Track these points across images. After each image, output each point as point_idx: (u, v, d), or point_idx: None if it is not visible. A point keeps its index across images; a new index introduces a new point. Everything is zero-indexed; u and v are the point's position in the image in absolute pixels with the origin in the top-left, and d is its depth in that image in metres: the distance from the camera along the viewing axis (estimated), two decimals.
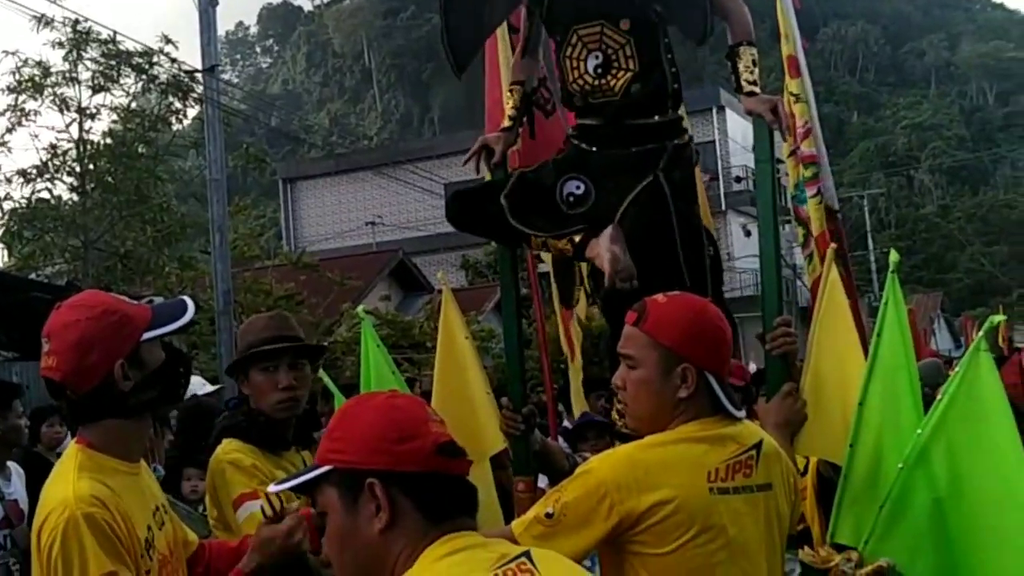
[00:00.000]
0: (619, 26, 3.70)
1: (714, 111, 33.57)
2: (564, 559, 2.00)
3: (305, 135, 44.44)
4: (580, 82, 3.78)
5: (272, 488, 2.24)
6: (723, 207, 32.13)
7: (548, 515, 2.57)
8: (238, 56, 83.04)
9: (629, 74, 3.71)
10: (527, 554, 1.84)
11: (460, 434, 3.88)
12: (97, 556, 2.33)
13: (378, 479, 1.84)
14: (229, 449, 3.49)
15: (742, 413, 2.72)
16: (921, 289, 49.89)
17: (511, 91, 4.08)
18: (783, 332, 3.46)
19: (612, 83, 3.73)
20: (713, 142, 33.40)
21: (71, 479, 2.43)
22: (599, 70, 3.72)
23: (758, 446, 2.69)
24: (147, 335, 2.53)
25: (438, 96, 68.02)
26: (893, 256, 3.44)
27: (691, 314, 2.68)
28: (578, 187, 3.74)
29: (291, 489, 2.03)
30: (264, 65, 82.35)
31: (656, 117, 3.75)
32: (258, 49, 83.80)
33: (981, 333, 3.26)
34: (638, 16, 3.72)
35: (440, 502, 1.86)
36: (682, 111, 3.90)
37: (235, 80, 76.37)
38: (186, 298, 2.69)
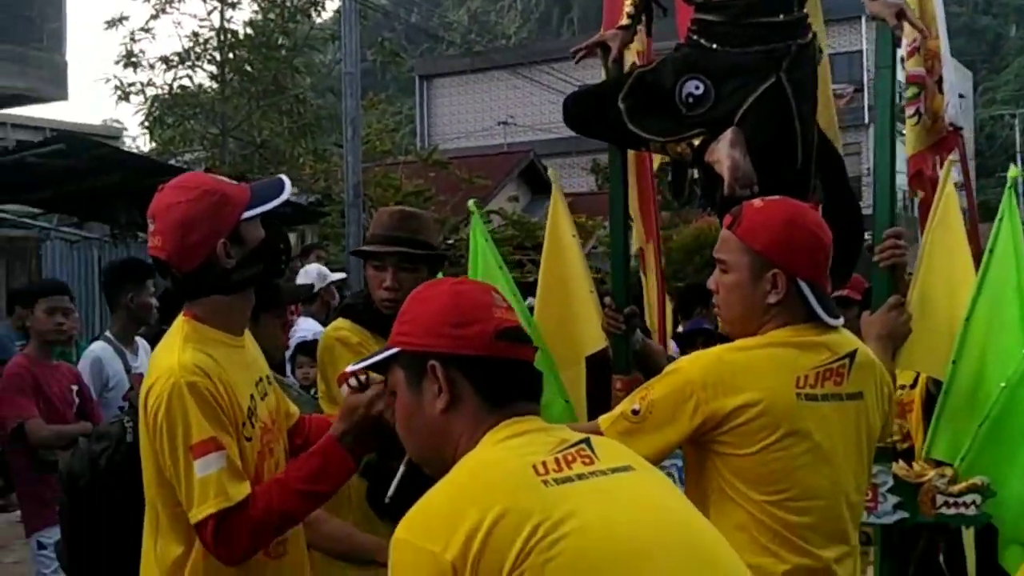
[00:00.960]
0: None
1: (862, 20, 32.35)
2: (622, 447, 2.02)
3: (444, 32, 44.47)
4: None
5: (349, 368, 2.32)
6: (866, 120, 31.13)
7: (635, 411, 2.60)
8: None
9: None
10: (587, 441, 1.87)
11: (562, 331, 4.03)
12: (199, 422, 2.43)
13: (439, 361, 1.89)
14: (340, 326, 3.60)
15: (838, 321, 2.68)
16: None
17: None
18: (892, 244, 3.39)
19: None
20: (860, 51, 32.26)
21: (177, 349, 2.53)
22: None
23: (852, 355, 2.65)
24: (247, 214, 2.59)
25: None
26: (1012, 171, 3.34)
27: (785, 220, 2.65)
28: (697, 87, 3.66)
29: (366, 368, 2.11)
30: None
31: (781, 16, 3.62)
32: None
33: None
34: None
35: (500, 386, 1.90)
36: (807, 8, 3.77)
37: None
38: (283, 177, 2.74)
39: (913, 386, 4.42)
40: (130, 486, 2.68)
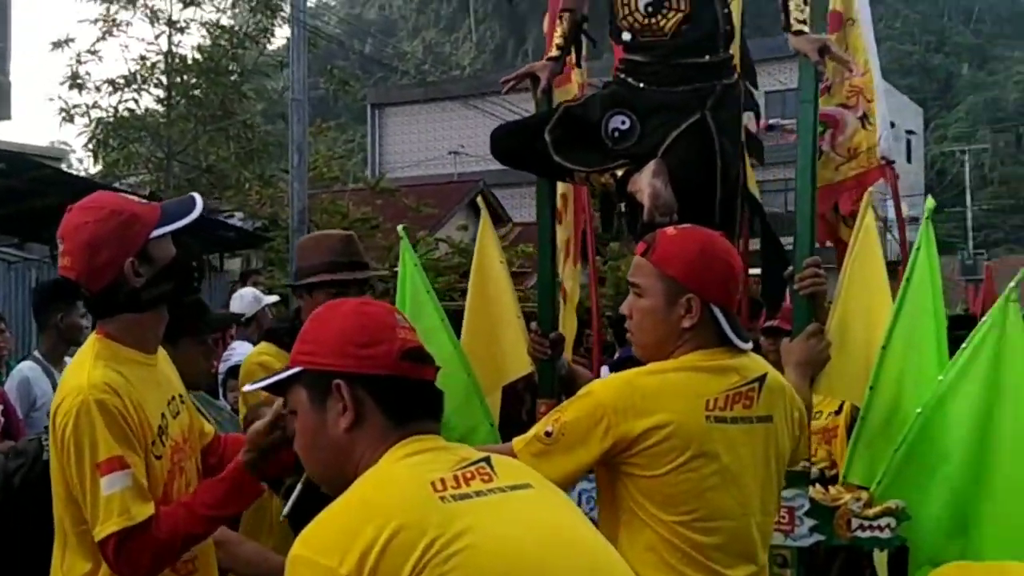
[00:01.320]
0: None
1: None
2: (522, 466, 2.05)
3: (398, 62, 44.56)
4: (630, 19, 3.73)
5: (247, 388, 2.32)
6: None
7: (548, 434, 2.62)
8: None
9: (680, 15, 3.66)
10: (487, 459, 1.89)
11: (488, 356, 4.04)
12: (106, 440, 2.43)
13: (344, 380, 1.90)
14: (263, 351, 3.62)
15: (748, 345, 2.73)
16: (1020, 250, 48.51)
17: (560, 18, 4.06)
18: (811, 272, 3.45)
19: (663, 23, 3.68)
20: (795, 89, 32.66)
21: (87, 367, 2.53)
22: (650, 8, 3.67)
23: (761, 379, 2.69)
24: (156, 232, 2.59)
25: (533, 29, 67.54)
26: (929, 203, 3.41)
27: (698, 246, 2.69)
28: (623, 122, 3.71)
29: (265, 388, 2.10)
30: None
31: (707, 57, 3.70)
32: None
33: (1013, 284, 3.23)
34: None
35: (404, 405, 1.91)
36: (732, 50, 3.85)
37: (332, 3, 76.55)
38: (196, 195, 2.74)
39: (838, 412, 4.49)
40: (44, 504, 2.66)
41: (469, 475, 1.82)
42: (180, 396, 2.77)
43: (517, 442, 2.70)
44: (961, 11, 78.15)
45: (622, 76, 3.80)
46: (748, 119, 4.22)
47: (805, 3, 3.59)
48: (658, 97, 3.68)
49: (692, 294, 2.65)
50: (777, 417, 2.71)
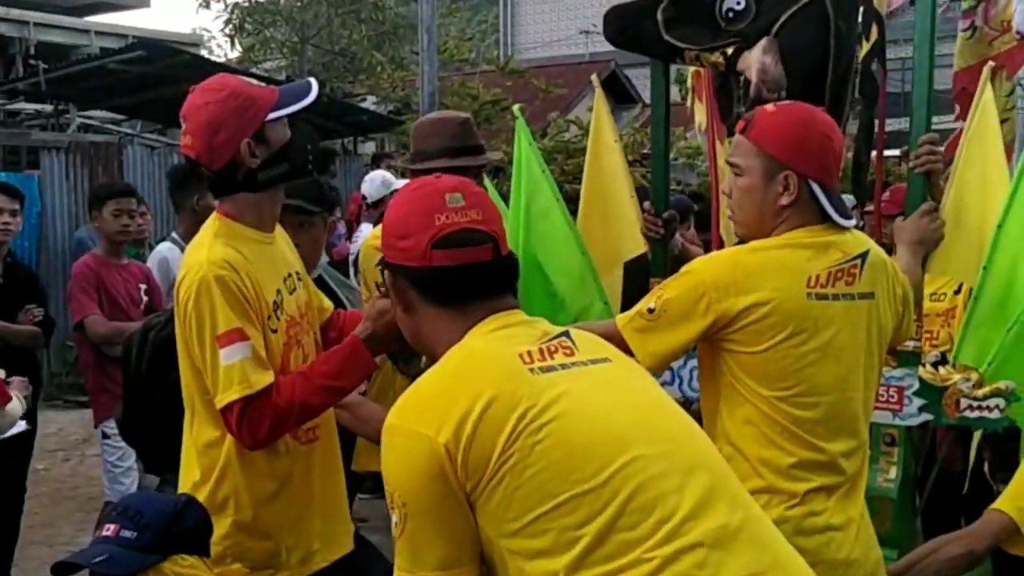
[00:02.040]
0: None
1: None
2: (600, 341, 2.08)
3: None
4: None
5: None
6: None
7: (650, 310, 2.66)
8: None
9: None
10: (566, 333, 1.95)
11: (603, 235, 4.08)
12: (225, 313, 2.57)
13: (391, 271, 2.02)
14: (377, 235, 3.71)
15: (851, 222, 2.70)
16: None
17: None
18: (927, 150, 3.38)
19: None
20: None
21: (207, 244, 2.67)
22: None
23: (864, 255, 2.67)
24: (272, 115, 2.69)
25: None
26: None
27: (796, 123, 2.66)
28: (739, 3, 3.65)
29: None
30: None
31: None
32: None
33: None
34: None
35: (447, 292, 1.96)
36: None
37: None
38: (312, 80, 2.82)
39: (958, 293, 4.41)
40: (172, 358, 2.80)
41: (553, 348, 1.89)
42: (297, 273, 2.89)
43: (621, 318, 2.75)
44: None
45: None
46: None
47: None
48: None
49: (790, 171, 2.64)
50: (880, 293, 2.69)
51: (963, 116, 4.30)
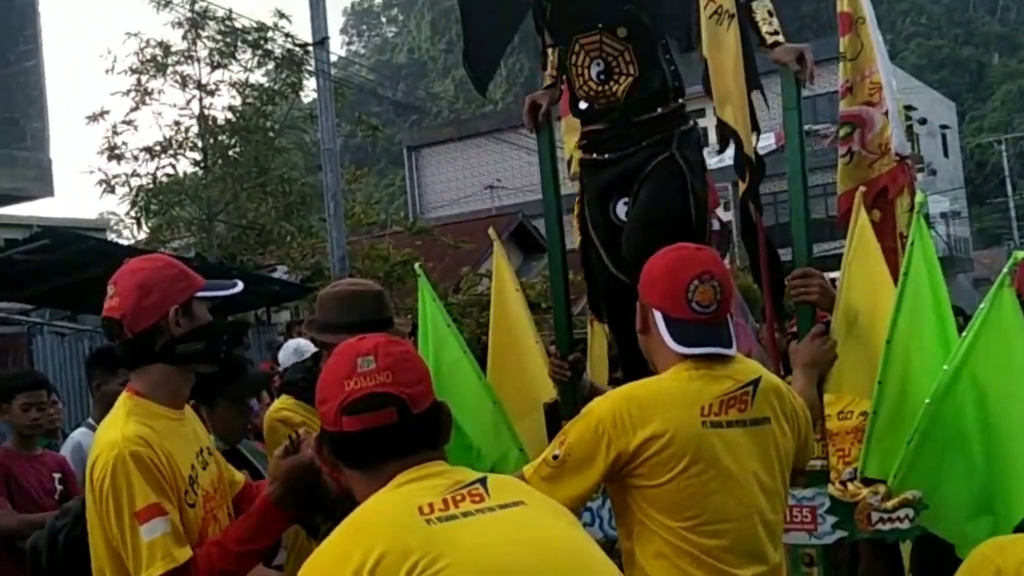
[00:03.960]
0: (616, 34, 3.92)
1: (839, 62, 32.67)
2: (520, 485, 2.15)
3: (430, 103, 44.96)
4: (585, 88, 4.01)
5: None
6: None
7: (555, 457, 2.74)
8: (364, 27, 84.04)
9: (630, 79, 3.93)
10: (482, 480, 2.00)
11: (514, 382, 4.16)
12: (143, 489, 2.58)
13: (318, 436, 2.12)
14: (281, 406, 3.77)
15: (731, 351, 2.81)
16: None
17: (547, 51, 4.22)
18: (797, 284, 3.57)
19: (615, 88, 3.96)
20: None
21: (120, 422, 2.69)
22: (602, 76, 3.94)
23: (755, 382, 2.78)
24: (200, 294, 2.80)
25: None
26: (919, 197, 3.49)
27: (652, 259, 2.87)
28: (625, 203, 4.00)
29: None
30: (390, 35, 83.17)
31: (659, 110, 3.95)
32: (383, 19, 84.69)
33: (1005, 270, 3.30)
34: (633, 22, 3.90)
35: (358, 454, 2.05)
36: (681, 101, 4.06)
37: (362, 51, 77.50)
38: (238, 280, 2.97)
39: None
40: (87, 561, 2.78)
41: (459, 497, 1.93)
42: (207, 449, 2.91)
43: (528, 468, 2.82)
44: (986, 1, 77.34)
45: (586, 155, 4.09)
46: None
47: (771, 15, 3.72)
48: (628, 163, 3.96)
49: (641, 302, 2.81)
50: (774, 418, 2.80)
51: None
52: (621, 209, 3.97)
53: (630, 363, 3.91)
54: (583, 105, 4.05)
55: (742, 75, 3.82)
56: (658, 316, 2.78)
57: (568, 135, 4.86)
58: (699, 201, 3.81)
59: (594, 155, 4.06)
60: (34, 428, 5.44)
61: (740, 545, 2.65)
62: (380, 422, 2.01)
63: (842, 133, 5.02)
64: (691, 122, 4.01)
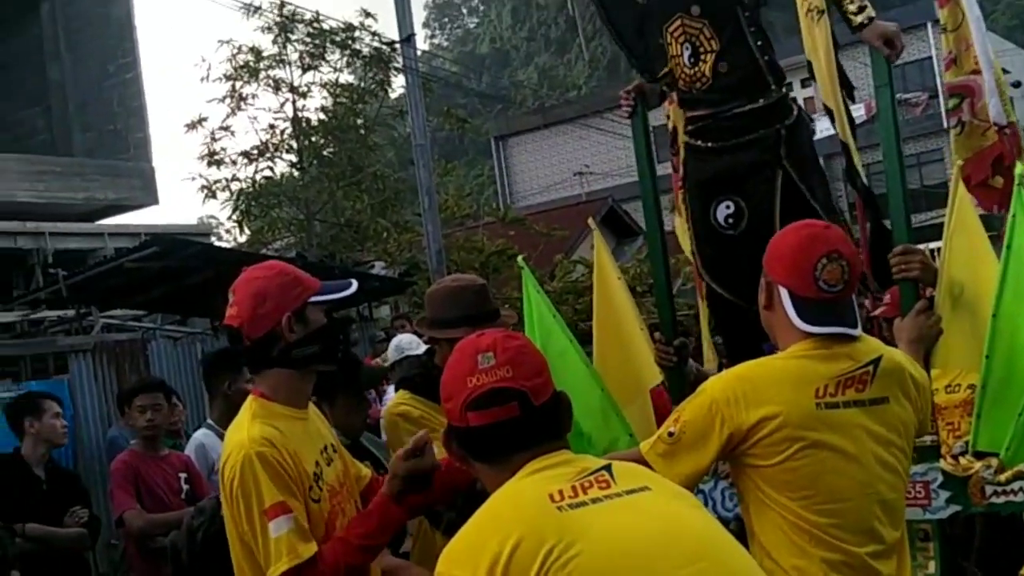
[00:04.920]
0: (691, 12, 3.97)
1: (928, 26, 31.97)
2: (644, 472, 2.23)
3: (515, 92, 45.03)
4: (683, 76, 4.07)
5: None
6: (944, 125, 30.65)
7: (670, 434, 2.80)
8: (446, 19, 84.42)
9: (712, 55, 3.96)
10: (608, 467, 2.08)
11: (620, 370, 4.23)
12: (269, 488, 2.73)
13: (446, 430, 2.21)
14: (399, 402, 3.89)
15: (856, 331, 2.82)
16: None
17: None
18: (897, 260, 3.58)
19: (703, 68, 3.99)
20: (930, 58, 31.91)
21: (246, 425, 2.84)
22: (692, 59, 3.99)
23: (876, 362, 2.79)
24: (313, 298, 2.93)
25: None
26: (1019, 168, 3.48)
27: (779, 235, 2.88)
28: (728, 207, 4.01)
29: None
30: (471, 25, 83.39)
31: (761, 101, 3.96)
32: (464, 10, 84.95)
33: None
34: None
35: (485, 448, 2.15)
36: (784, 91, 4.08)
37: (444, 43, 77.83)
38: (353, 281, 3.07)
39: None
40: (225, 555, 2.94)
41: (587, 484, 2.02)
42: (331, 446, 3.05)
43: (644, 445, 2.89)
44: None
45: (690, 141, 4.11)
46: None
47: None
48: (732, 160, 3.98)
49: (767, 278, 2.84)
50: (894, 397, 2.80)
51: (980, 205, 4.48)
52: (722, 213, 3.99)
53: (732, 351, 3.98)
54: (684, 91, 4.10)
55: (835, 73, 3.85)
56: (784, 293, 2.80)
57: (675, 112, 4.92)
58: (817, 194, 3.82)
59: (698, 142, 4.08)
60: (152, 430, 5.67)
61: (857, 524, 2.68)
62: (504, 416, 2.10)
63: (951, 104, 5.01)
64: (795, 111, 4.01)
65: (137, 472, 5.50)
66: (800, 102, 4.30)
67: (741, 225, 3.93)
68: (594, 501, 1.99)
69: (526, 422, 2.11)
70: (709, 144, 4.02)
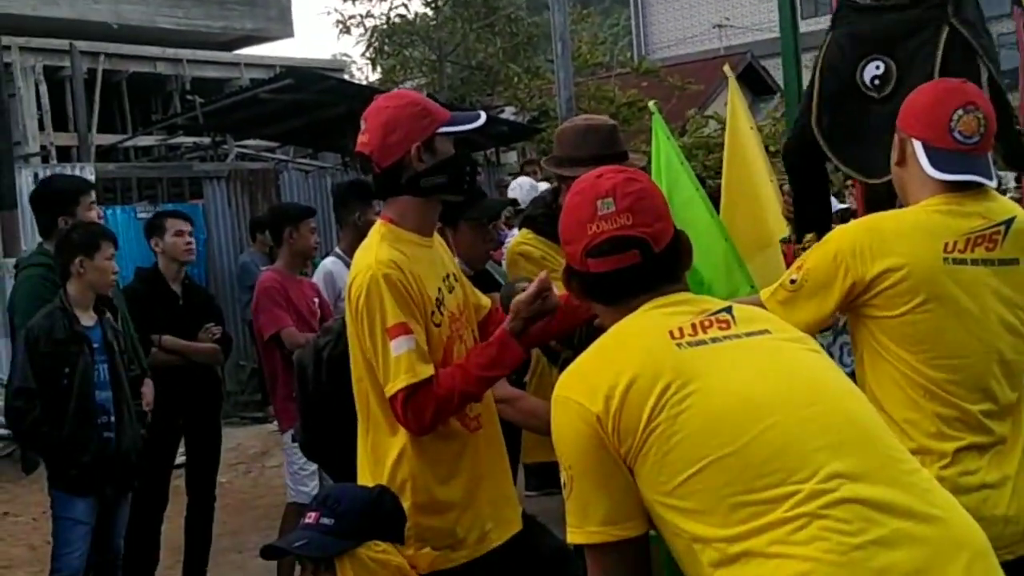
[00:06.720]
0: None
1: None
2: (765, 315, 2.20)
3: None
4: None
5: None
6: None
7: (792, 281, 2.78)
8: None
9: None
10: (728, 309, 2.07)
11: (750, 219, 4.19)
12: (393, 309, 2.81)
13: (566, 270, 2.19)
14: (521, 240, 3.92)
15: (991, 183, 2.74)
16: None
17: None
18: None
19: None
20: None
21: (375, 247, 2.92)
22: None
23: (1008, 222, 2.71)
24: (442, 129, 2.95)
25: None
26: None
27: (917, 91, 2.78)
28: (878, 67, 3.70)
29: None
30: None
31: None
32: None
33: None
34: None
35: (605, 292, 2.13)
36: None
37: None
38: (482, 112, 3.10)
39: None
40: (348, 373, 3.06)
41: (707, 323, 2.01)
42: (454, 275, 3.12)
43: (765, 292, 2.87)
44: None
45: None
46: None
47: None
48: (895, 18, 3.68)
49: (900, 132, 2.76)
50: None
51: None
52: (870, 72, 3.74)
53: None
54: None
55: None
56: (918, 146, 2.72)
57: None
58: (990, 57, 3.57)
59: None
60: (315, 250, 5.92)
61: (974, 381, 2.64)
62: (624, 263, 2.08)
63: None
64: None
65: (287, 291, 5.60)
66: None
67: (887, 88, 3.73)
68: (713, 340, 1.98)
69: (647, 267, 2.09)
70: (870, 1, 3.78)
